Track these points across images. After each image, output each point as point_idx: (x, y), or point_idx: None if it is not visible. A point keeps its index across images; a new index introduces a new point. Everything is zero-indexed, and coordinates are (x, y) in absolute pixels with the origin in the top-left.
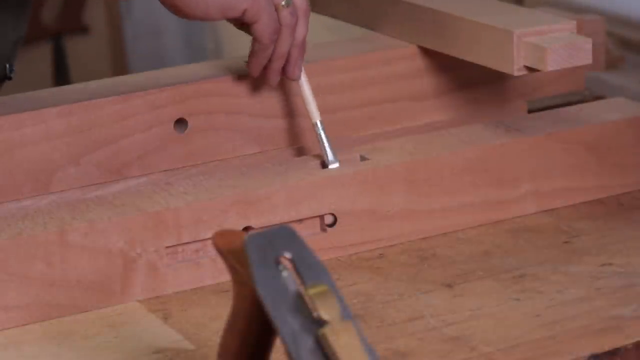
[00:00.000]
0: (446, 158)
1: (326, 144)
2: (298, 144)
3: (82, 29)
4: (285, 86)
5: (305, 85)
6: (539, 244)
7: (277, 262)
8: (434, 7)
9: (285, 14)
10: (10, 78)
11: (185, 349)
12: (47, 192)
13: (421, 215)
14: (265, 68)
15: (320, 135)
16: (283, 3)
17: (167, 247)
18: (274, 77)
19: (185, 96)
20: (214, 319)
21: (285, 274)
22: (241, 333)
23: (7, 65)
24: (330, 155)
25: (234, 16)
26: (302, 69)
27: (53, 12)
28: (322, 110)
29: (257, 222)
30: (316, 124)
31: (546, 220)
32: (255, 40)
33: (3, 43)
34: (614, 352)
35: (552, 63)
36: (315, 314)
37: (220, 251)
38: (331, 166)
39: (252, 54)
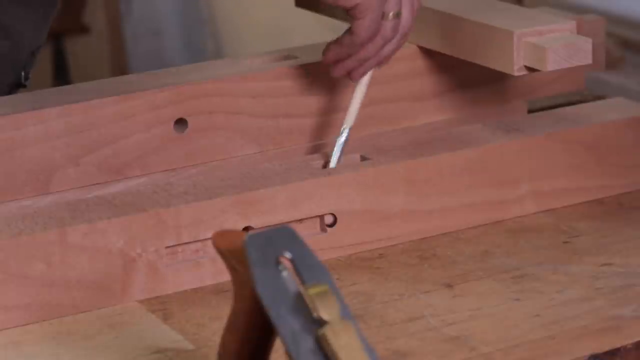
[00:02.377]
0: (446, 158)
1: (338, 152)
2: (298, 143)
3: (82, 29)
4: (286, 85)
5: (363, 88)
6: (539, 244)
7: (277, 262)
8: (434, 7)
9: (388, 26)
10: (24, 86)
11: (185, 349)
12: (47, 192)
13: (421, 215)
14: (338, 61)
15: (340, 141)
16: (392, 14)
17: (167, 247)
18: (341, 72)
19: (185, 96)
20: (214, 319)
21: (285, 274)
22: (241, 333)
23: (22, 73)
24: (334, 163)
25: (347, 6)
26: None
27: None
28: (322, 110)
29: (257, 222)
30: (345, 129)
31: (546, 220)
32: (350, 33)
33: (19, 52)
34: (613, 352)
35: (552, 63)
36: (315, 314)
37: (220, 251)
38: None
39: (339, 43)
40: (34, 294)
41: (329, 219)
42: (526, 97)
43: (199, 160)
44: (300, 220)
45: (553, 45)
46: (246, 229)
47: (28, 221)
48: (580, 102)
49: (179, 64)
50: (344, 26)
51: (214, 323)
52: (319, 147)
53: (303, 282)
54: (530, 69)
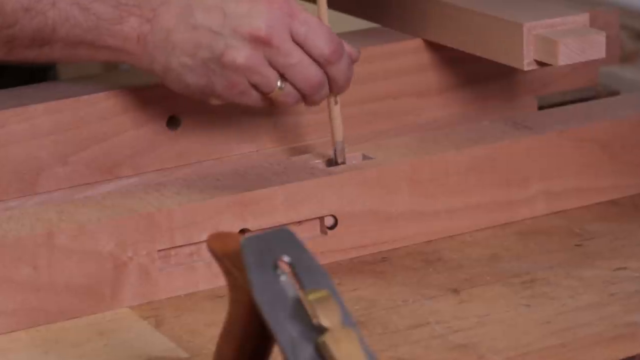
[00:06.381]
0: (452, 157)
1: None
2: (297, 142)
3: None
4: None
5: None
6: (550, 247)
7: (275, 266)
8: None
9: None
10: None
11: (178, 357)
12: (34, 193)
13: (426, 216)
14: None
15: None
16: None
17: (160, 250)
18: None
19: (178, 93)
20: (209, 325)
21: (283, 278)
22: (237, 340)
23: None
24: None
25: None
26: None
27: None
28: (321, 108)
29: (254, 224)
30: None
31: (557, 222)
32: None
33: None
34: None
35: (564, 57)
36: (315, 321)
37: (216, 254)
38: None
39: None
40: (20, 300)
41: (329, 221)
42: (536, 92)
43: (193, 160)
44: (300, 222)
45: (565, 39)
46: (243, 231)
47: (14, 223)
48: (594, 97)
49: None
50: (346, 19)
51: (209, 330)
52: (318, 146)
53: (302, 287)
54: (541, 64)
